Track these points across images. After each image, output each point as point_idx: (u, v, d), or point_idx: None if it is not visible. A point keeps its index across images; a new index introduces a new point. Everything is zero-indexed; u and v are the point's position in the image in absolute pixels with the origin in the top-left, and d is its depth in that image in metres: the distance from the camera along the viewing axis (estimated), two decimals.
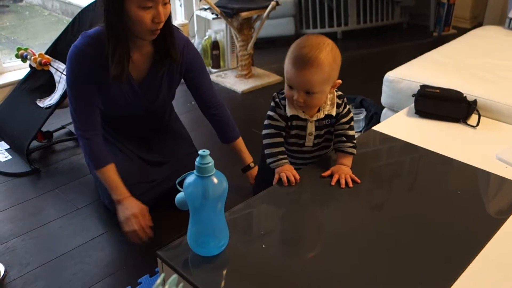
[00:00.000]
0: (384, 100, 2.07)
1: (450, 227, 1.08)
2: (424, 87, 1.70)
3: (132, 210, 1.47)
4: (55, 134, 2.33)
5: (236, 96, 2.87)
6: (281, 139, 1.27)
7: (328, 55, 1.13)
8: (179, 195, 1.11)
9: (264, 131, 1.28)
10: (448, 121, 1.61)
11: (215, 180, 0.92)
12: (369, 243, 1.03)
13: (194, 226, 0.97)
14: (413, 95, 1.68)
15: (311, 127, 1.27)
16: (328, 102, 1.25)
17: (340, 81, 1.21)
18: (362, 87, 2.83)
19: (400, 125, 1.61)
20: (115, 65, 1.42)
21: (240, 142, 1.77)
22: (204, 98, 1.68)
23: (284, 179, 1.21)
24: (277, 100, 1.26)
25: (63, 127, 2.40)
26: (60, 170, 2.07)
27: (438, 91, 1.66)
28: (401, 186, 1.26)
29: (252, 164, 1.77)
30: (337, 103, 1.26)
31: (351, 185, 1.20)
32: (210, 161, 0.90)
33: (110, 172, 1.52)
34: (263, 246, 1.02)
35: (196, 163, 0.90)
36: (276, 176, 1.23)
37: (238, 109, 2.63)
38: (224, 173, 0.95)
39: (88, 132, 1.51)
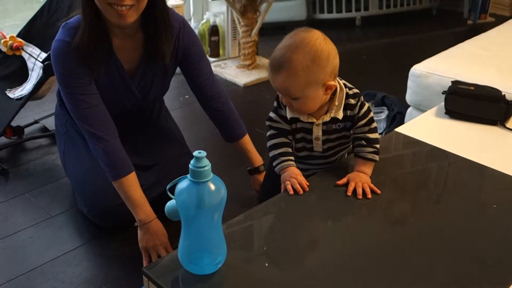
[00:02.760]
0: (409, 97, 2.06)
1: (484, 247, 1.08)
2: (456, 83, 1.70)
3: (158, 239, 1.50)
4: (26, 130, 2.34)
5: (237, 90, 2.87)
6: (284, 139, 1.29)
7: (305, 57, 1.14)
8: (170, 204, 1.12)
9: (267, 133, 1.32)
10: (483, 123, 1.61)
11: (212, 187, 0.92)
12: (389, 264, 1.03)
13: (186, 239, 0.97)
14: (443, 93, 1.67)
15: (317, 131, 1.27)
16: (336, 103, 1.25)
17: (333, 83, 1.20)
18: (384, 82, 2.83)
19: (428, 127, 1.61)
20: (92, 56, 1.44)
21: (247, 141, 1.77)
22: (203, 89, 1.68)
23: (289, 188, 1.20)
24: (279, 99, 1.28)
25: (36, 122, 2.41)
26: (31, 171, 2.07)
27: (472, 88, 1.66)
28: (428, 198, 1.26)
29: (262, 168, 1.78)
30: (349, 104, 1.25)
31: (369, 195, 1.20)
32: (206, 164, 0.91)
33: (132, 184, 1.51)
34: (266, 264, 1.02)
35: (190, 166, 0.91)
36: (282, 186, 1.23)
37: (239, 105, 2.62)
38: (222, 178, 0.95)
39: (103, 131, 1.50)
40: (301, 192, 1.20)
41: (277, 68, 1.16)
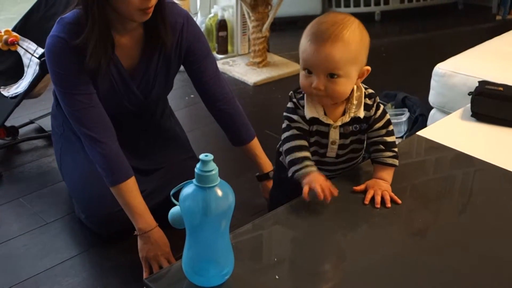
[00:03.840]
0: (432, 98, 2.06)
1: None
2: (483, 83, 1.70)
3: (159, 249, 1.51)
4: (21, 130, 2.36)
5: (247, 89, 2.88)
6: (305, 142, 1.26)
7: (355, 31, 1.17)
8: (174, 210, 1.12)
9: (284, 135, 1.27)
10: None
11: (219, 193, 0.92)
12: (408, 279, 1.03)
13: (191, 249, 0.97)
14: (470, 94, 1.67)
15: (334, 134, 1.26)
16: (354, 102, 1.24)
17: (369, 68, 1.22)
18: (405, 81, 2.82)
19: (452, 130, 1.60)
20: (90, 56, 1.44)
21: (256, 145, 1.78)
22: (209, 89, 1.69)
23: (319, 191, 1.16)
24: (294, 100, 1.26)
25: (31, 122, 2.43)
26: (26, 174, 2.09)
27: (501, 89, 1.66)
28: (451, 208, 1.26)
29: (271, 174, 1.78)
30: (367, 104, 1.25)
31: (389, 204, 1.20)
32: (213, 168, 0.91)
33: (131, 190, 1.52)
34: (277, 277, 1.02)
35: (196, 170, 0.91)
36: (306, 188, 1.18)
37: (248, 105, 2.64)
38: (230, 184, 0.95)
39: (101, 133, 1.51)
40: (329, 197, 1.16)
41: (327, 38, 1.14)
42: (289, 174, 1.23)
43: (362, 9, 3.90)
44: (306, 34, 1.19)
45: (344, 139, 1.28)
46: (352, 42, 1.16)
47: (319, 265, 1.08)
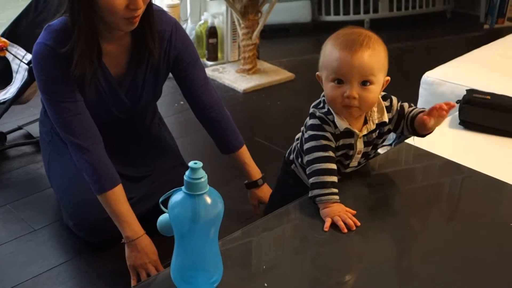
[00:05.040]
0: (421, 106, 2.06)
1: (500, 269, 1.08)
2: (471, 92, 1.71)
3: (146, 257, 1.51)
4: (9, 136, 2.34)
5: (237, 96, 2.88)
6: (334, 166, 1.22)
7: (379, 41, 1.22)
8: (162, 218, 1.12)
9: (316, 154, 1.22)
10: (500, 135, 1.62)
11: (208, 200, 0.92)
12: (397, 285, 1.03)
13: (179, 256, 0.97)
14: (458, 102, 1.68)
15: (360, 145, 1.26)
16: (375, 109, 1.26)
17: (389, 78, 1.25)
18: (394, 89, 2.81)
19: (440, 138, 1.61)
20: (76, 64, 1.43)
21: (245, 152, 1.77)
22: (197, 97, 1.69)
23: (342, 225, 1.15)
24: (320, 115, 1.23)
25: (19, 128, 2.42)
26: (13, 181, 2.07)
27: (488, 97, 1.67)
28: (439, 215, 1.26)
29: (260, 181, 1.77)
30: (386, 106, 1.28)
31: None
32: (202, 175, 0.91)
33: (118, 198, 1.52)
34: (265, 284, 1.02)
35: (185, 177, 0.91)
36: (328, 222, 1.16)
37: (238, 112, 2.64)
38: (219, 191, 0.95)
39: (87, 141, 1.50)
40: (354, 228, 1.15)
41: (360, 45, 1.17)
42: (310, 195, 1.21)
43: (352, 17, 3.93)
44: (333, 45, 1.19)
45: (367, 147, 1.29)
46: (381, 50, 1.21)
47: (308, 272, 1.08)
